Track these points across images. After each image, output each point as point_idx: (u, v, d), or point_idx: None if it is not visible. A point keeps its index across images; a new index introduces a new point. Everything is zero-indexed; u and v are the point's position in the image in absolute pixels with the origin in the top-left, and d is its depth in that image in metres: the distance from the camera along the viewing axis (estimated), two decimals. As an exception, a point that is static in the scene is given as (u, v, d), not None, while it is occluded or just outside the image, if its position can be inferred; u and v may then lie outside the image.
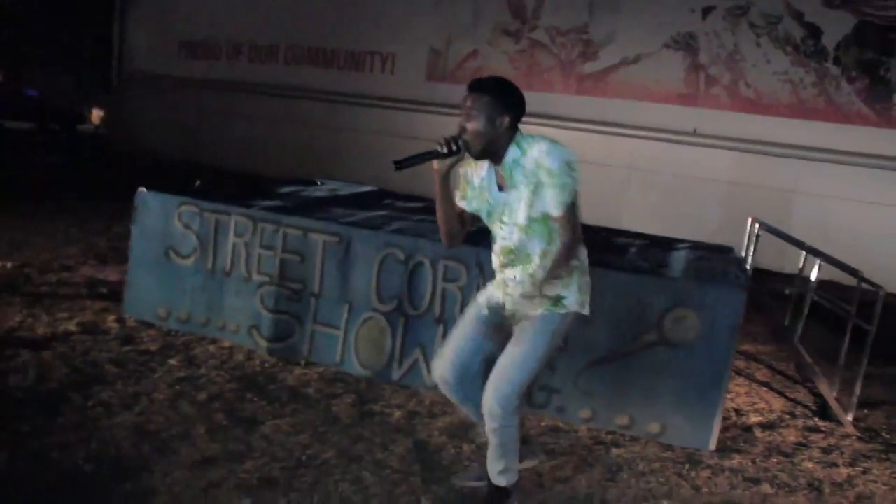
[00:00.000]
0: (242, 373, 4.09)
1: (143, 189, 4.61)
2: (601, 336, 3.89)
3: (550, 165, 2.59)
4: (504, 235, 2.79)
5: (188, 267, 4.51)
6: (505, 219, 2.75)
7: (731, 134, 10.30)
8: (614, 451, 3.71)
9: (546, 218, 2.68)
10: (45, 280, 5.35)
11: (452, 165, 2.66)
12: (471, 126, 2.62)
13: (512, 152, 2.67)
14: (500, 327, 2.91)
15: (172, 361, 4.11)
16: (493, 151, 2.68)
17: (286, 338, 4.35)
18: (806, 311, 5.17)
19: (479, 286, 4.06)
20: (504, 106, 2.62)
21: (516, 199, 2.70)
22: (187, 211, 4.50)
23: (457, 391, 2.92)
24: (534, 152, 2.62)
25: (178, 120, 14.61)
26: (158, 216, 4.56)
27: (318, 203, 5.13)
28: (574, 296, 2.80)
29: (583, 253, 2.86)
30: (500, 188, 2.76)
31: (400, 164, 2.60)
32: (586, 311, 2.86)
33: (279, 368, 4.21)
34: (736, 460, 3.75)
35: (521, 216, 2.70)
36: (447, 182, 2.72)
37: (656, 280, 3.91)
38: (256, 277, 4.36)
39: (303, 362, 4.29)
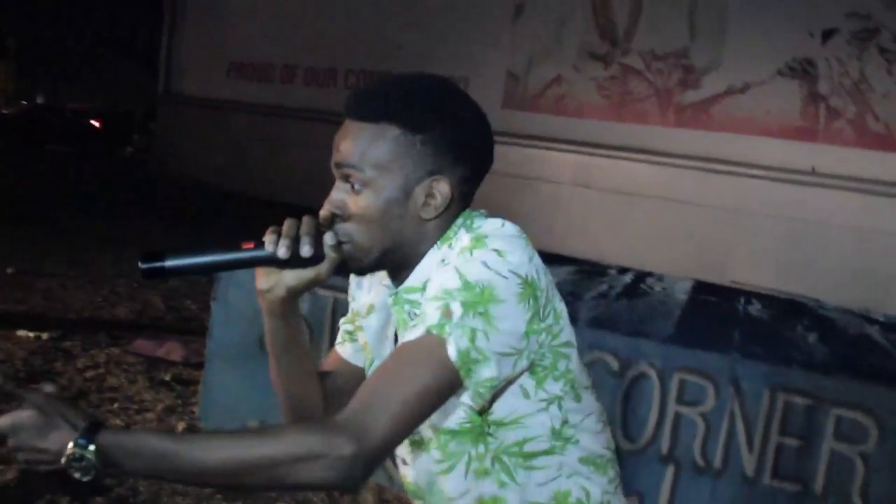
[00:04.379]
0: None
1: (229, 252, 3.35)
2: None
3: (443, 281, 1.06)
4: (400, 454, 1.25)
5: (292, 363, 3.25)
6: None
7: (857, 173, 9.00)
8: None
9: (480, 426, 1.13)
10: (89, 360, 4.13)
11: (302, 289, 1.15)
12: (356, 204, 1.12)
13: (427, 264, 1.15)
14: None
15: (278, 513, 2.85)
16: (397, 262, 1.17)
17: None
18: None
19: (735, 414, 2.80)
20: (439, 150, 1.12)
21: None
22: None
23: None
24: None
25: (225, 146, 13.53)
26: (250, 290, 3.30)
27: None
28: None
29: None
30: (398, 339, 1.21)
31: (159, 268, 1.07)
32: None
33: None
34: None
35: None
36: (289, 317, 1.21)
37: None
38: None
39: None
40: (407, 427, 1.01)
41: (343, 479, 0.95)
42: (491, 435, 1.13)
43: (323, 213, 1.13)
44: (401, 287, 1.16)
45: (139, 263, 1.06)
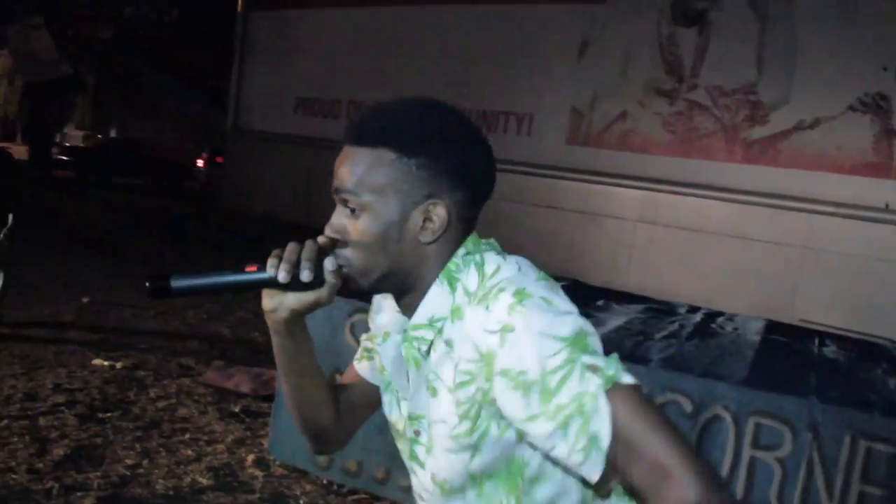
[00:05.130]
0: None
1: (301, 287, 3.40)
2: None
3: (522, 367, 1.00)
4: (420, 488, 1.20)
5: (361, 398, 3.26)
6: (418, 450, 1.18)
7: (935, 211, 8.77)
8: None
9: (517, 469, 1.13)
10: (161, 391, 4.20)
11: (304, 311, 1.14)
12: (355, 229, 1.11)
13: (433, 300, 1.12)
14: None
15: (346, 548, 2.86)
16: (398, 286, 1.15)
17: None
18: None
19: (812, 459, 2.72)
20: (435, 174, 1.10)
21: (437, 420, 1.12)
22: (364, 321, 3.27)
23: None
24: (476, 321, 1.05)
25: (291, 179, 13.78)
26: (322, 326, 3.35)
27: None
28: None
29: None
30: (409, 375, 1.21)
31: (164, 287, 1.09)
32: None
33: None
34: None
35: (440, 464, 1.13)
36: (295, 335, 1.21)
37: None
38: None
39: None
40: (685, 438, 1.00)
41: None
42: (524, 492, 1.11)
43: (321, 239, 1.12)
44: (409, 325, 1.15)
45: (146, 283, 1.08)
